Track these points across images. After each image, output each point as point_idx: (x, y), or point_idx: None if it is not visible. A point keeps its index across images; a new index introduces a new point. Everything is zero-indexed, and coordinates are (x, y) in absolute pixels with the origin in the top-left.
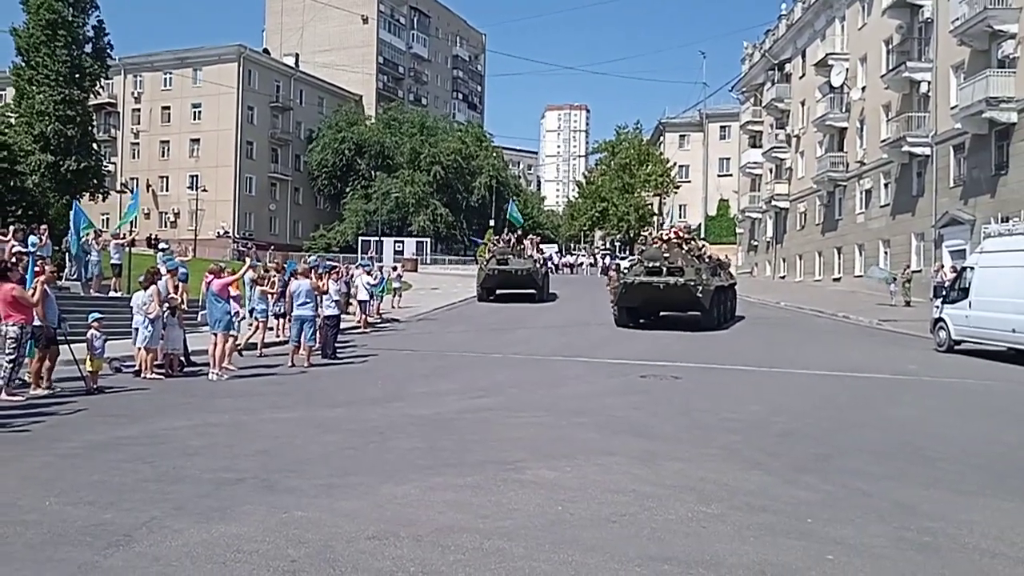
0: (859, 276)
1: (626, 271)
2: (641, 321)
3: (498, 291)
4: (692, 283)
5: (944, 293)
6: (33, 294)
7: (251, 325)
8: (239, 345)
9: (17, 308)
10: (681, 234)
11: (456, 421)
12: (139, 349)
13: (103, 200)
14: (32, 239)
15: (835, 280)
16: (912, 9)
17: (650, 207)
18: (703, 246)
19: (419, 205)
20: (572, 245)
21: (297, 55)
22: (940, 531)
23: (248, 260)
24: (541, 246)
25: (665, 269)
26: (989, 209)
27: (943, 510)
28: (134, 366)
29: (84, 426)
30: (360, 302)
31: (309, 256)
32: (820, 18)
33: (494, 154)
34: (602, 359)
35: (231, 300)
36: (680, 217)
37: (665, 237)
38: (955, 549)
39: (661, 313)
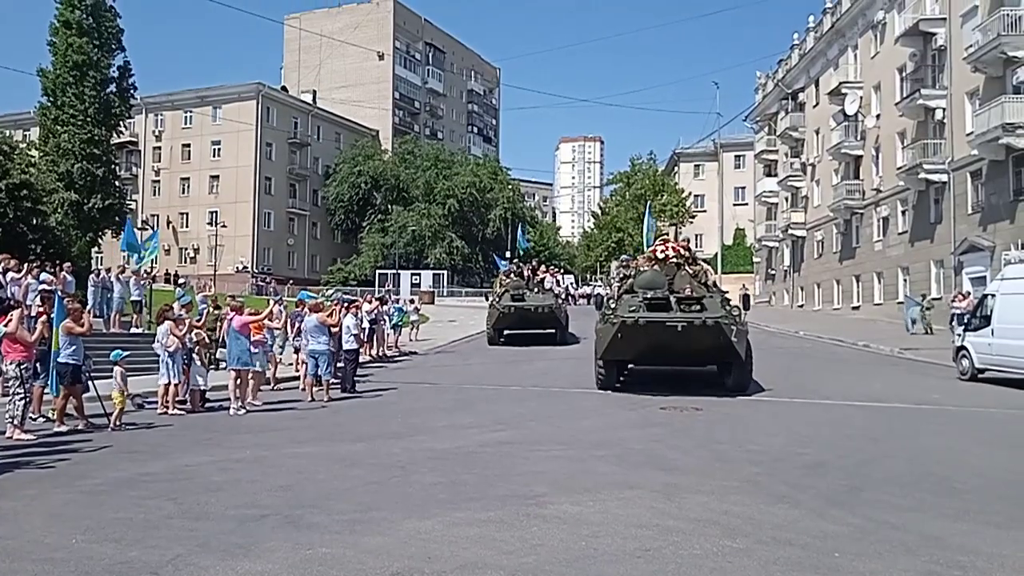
0: (879, 304)
1: (610, 307)
2: (622, 380)
3: (510, 332)
4: (724, 322)
5: (966, 321)
6: (33, 332)
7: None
8: (267, 380)
9: (15, 346)
10: (681, 251)
11: (477, 455)
12: (163, 385)
13: None
14: (44, 275)
15: (854, 308)
16: (925, 37)
17: (666, 236)
18: (708, 270)
19: (435, 238)
20: (588, 276)
21: (314, 91)
22: (970, 564)
23: (272, 300)
24: (559, 276)
25: (674, 301)
26: (1008, 235)
27: (972, 542)
28: (157, 402)
29: (108, 463)
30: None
31: (327, 290)
32: (833, 47)
33: (509, 186)
34: (621, 392)
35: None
36: (697, 246)
37: (660, 255)
38: None
39: (664, 367)
